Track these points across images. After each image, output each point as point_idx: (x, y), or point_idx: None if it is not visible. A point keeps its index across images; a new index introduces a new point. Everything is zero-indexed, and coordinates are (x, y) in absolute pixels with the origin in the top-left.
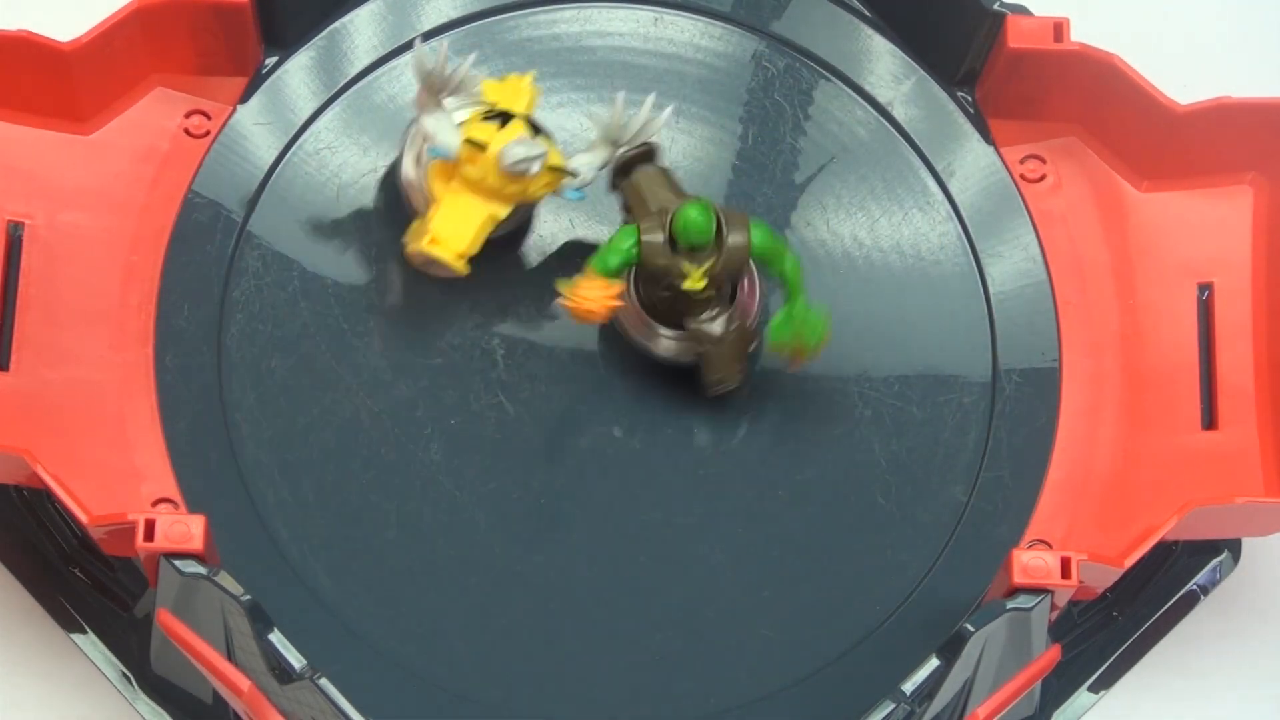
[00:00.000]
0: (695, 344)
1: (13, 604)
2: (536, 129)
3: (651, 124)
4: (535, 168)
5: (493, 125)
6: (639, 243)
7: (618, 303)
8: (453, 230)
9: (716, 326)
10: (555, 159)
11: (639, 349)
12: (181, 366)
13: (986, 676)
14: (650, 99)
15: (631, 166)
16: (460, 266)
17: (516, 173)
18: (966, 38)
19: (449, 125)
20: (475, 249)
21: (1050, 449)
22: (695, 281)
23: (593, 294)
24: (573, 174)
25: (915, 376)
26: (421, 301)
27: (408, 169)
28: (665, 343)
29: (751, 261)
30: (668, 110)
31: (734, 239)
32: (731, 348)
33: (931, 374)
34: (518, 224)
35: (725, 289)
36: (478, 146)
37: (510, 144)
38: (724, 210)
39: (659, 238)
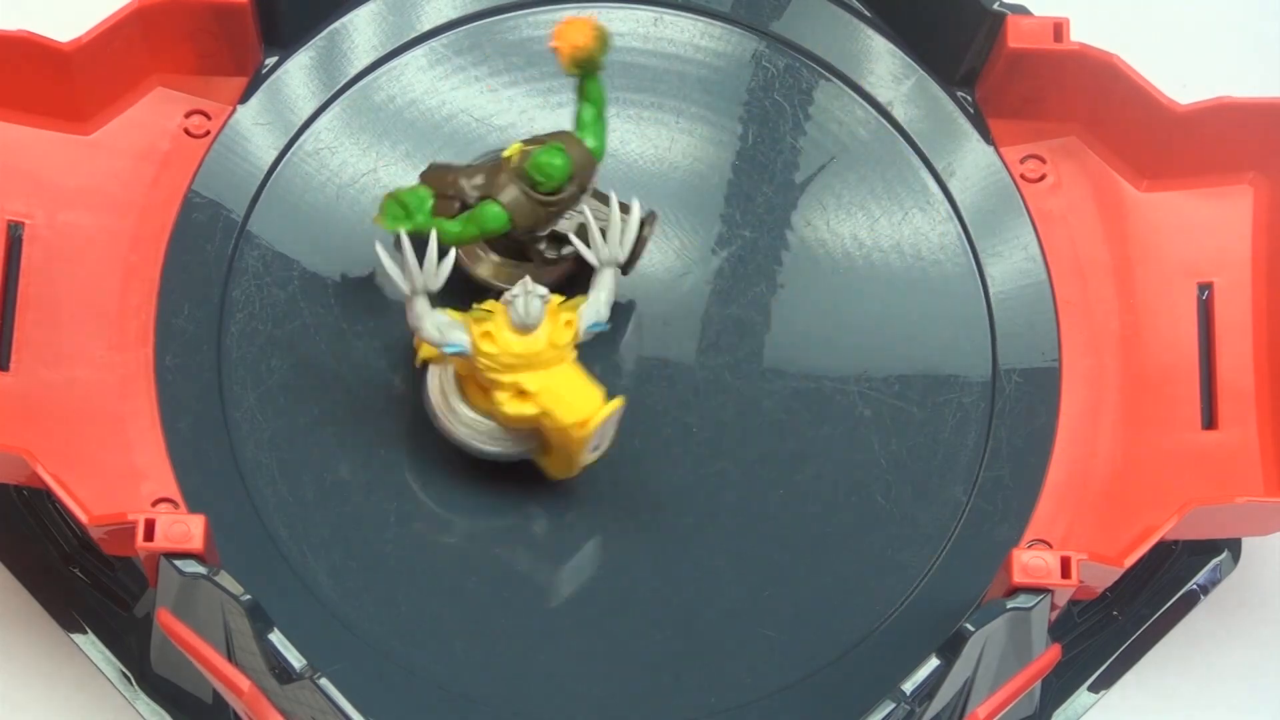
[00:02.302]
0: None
1: (13, 604)
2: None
3: (644, 231)
4: (535, 313)
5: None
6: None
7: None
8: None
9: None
10: (562, 332)
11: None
12: (181, 366)
13: (986, 676)
14: (635, 206)
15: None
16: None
17: (527, 327)
18: (966, 38)
19: (445, 322)
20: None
21: (1050, 449)
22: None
23: (577, 31)
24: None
25: (915, 376)
26: None
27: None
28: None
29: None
30: (635, 210)
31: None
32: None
33: (931, 374)
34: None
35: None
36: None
37: (513, 302)
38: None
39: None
